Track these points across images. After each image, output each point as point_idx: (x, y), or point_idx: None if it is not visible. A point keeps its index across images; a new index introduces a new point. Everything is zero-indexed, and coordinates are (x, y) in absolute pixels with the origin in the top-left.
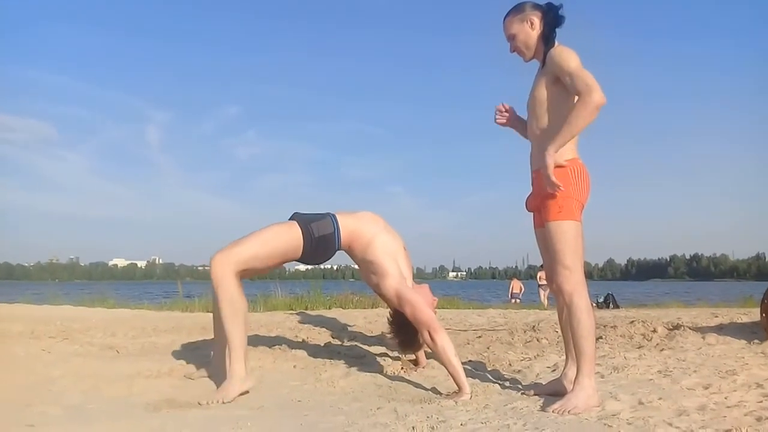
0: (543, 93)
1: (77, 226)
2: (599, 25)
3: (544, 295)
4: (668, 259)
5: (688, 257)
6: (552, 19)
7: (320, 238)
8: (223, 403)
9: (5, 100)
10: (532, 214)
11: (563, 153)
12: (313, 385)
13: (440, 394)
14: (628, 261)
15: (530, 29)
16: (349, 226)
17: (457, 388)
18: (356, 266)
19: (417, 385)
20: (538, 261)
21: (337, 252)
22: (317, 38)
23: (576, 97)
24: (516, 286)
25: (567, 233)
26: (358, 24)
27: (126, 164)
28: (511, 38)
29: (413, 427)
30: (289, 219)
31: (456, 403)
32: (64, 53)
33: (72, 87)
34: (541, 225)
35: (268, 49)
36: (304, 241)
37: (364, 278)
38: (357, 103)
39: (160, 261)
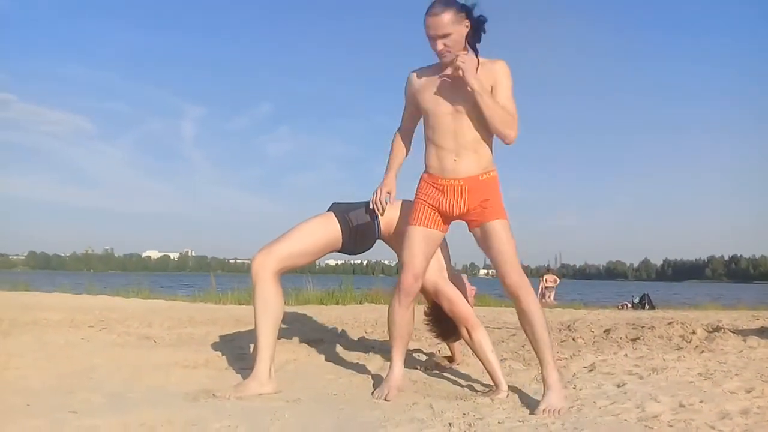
0: (472, 98)
1: (112, 218)
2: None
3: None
4: (706, 260)
5: (726, 258)
6: (477, 22)
7: (358, 227)
8: (238, 399)
9: (50, 94)
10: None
11: (490, 163)
12: (348, 379)
13: (476, 391)
14: (664, 261)
15: (464, 30)
16: (387, 214)
17: (493, 385)
18: (386, 261)
19: (452, 382)
20: (571, 260)
21: (378, 241)
22: (347, 33)
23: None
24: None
25: (510, 231)
26: (390, 18)
27: (161, 159)
28: (444, 37)
29: (450, 424)
30: (328, 209)
31: (492, 400)
32: (107, 49)
33: (113, 82)
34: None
35: (300, 45)
36: (342, 232)
37: None
38: (386, 96)
39: (193, 253)
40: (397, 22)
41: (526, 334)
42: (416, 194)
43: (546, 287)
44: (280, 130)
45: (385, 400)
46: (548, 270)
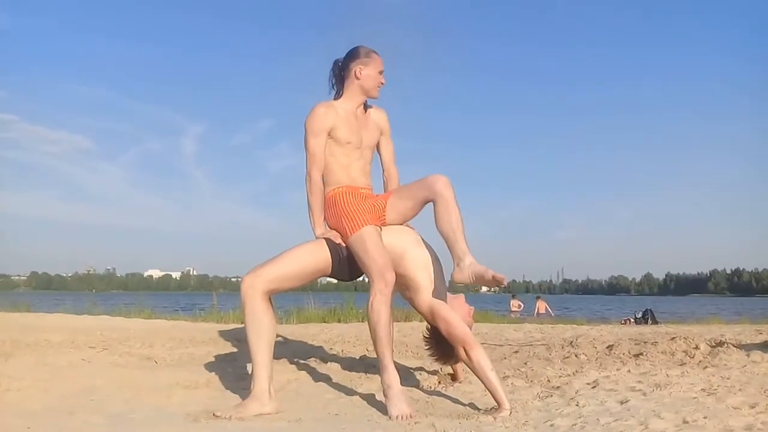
0: (376, 139)
1: (114, 237)
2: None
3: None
4: (708, 274)
5: (728, 272)
6: None
7: (349, 255)
8: (239, 419)
9: (50, 113)
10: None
11: None
12: (350, 398)
13: (478, 409)
14: (666, 275)
15: None
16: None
17: (495, 404)
18: None
19: (454, 400)
20: (573, 275)
21: None
22: (346, 46)
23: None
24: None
25: None
26: (387, 31)
27: (162, 176)
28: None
29: None
30: None
31: (495, 418)
32: (107, 67)
33: (113, 100)
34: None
35: (298, 60)
36: (332, 260)
37: (399, 291)
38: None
39: (195, 272)
40: (393, 33)
41: (446, 226)
42: (345, 204)
43: (512, 311)
44: (280, 145)
45: (410, 417)
46: (513, 296)
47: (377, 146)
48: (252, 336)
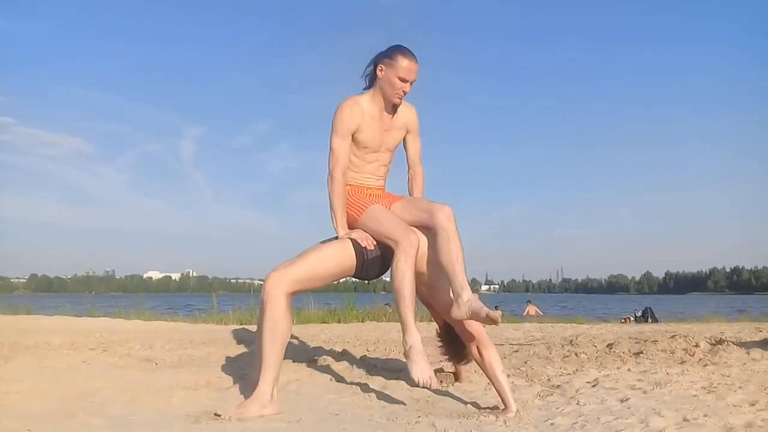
0: (399, 140)
1: (113, 239)
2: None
3: None
4: (707, 272)
5: (728, 270)
6: None
7: (374, 256)
8: (239, 420)
9: (49, 116)
10: None
11: None
12: (350, 398)
13: (479, 409)
14: (666, 274)
15: None
16: None
17: (500, 404)
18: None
19: (455, 400)
20: (572, 274)
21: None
22: (345, 47)
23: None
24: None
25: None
26: (386, 32)
27: (161, 178)
28: (412, 83)
29: None
30: None
31: (497, 418)
32: (105, 69)
33: (111, 103)
34: None
35: (297, 60)
36: (357, 261)
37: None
38: None
39: (194, 274)
40: (393, 32)
41: (446, 258)
42: (350, 197)
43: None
44: (280, 146)
45: (431, 379)
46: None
47: (404, 144)
48: (267, 336)
